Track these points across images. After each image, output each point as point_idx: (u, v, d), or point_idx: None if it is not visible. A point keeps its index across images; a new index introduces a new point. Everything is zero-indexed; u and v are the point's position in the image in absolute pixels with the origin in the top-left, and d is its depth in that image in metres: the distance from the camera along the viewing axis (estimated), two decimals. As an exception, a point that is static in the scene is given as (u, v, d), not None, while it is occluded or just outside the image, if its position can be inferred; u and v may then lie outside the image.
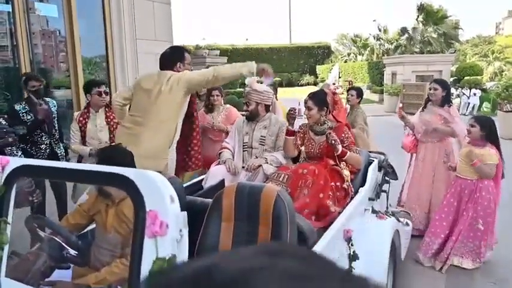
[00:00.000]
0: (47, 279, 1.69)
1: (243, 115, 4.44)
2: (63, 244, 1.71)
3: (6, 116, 3.56)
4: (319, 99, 2.96)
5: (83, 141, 3.52)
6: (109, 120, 3.56)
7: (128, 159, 2.01)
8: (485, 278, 3.33)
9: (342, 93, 3.64)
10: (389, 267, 2.67)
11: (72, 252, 1.73)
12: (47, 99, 3.88)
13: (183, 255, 0.92)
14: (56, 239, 1.72)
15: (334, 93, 3.03)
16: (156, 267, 0.88)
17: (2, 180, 1.23)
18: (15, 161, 1.24)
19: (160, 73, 2.97)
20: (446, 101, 3.88)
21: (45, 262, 1.64)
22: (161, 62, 3.08)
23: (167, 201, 0.94)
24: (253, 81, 3.27)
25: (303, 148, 3.02)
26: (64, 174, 1.20)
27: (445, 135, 3.89)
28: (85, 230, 2.18)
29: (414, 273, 3.38)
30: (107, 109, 3.60)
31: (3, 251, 1.22)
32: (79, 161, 3.62)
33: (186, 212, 0.94)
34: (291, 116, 2.93)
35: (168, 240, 0.91)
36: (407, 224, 3.36)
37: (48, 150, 3.68)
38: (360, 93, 4.64)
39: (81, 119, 3.52)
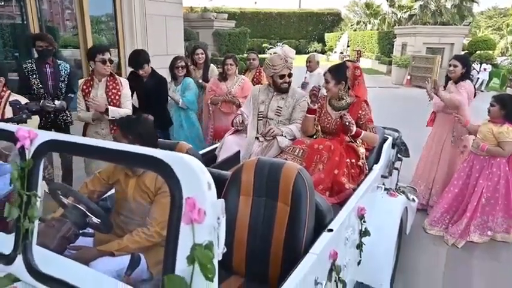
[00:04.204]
0: (71, 245, 1.72)
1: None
2: (86, 212, 1.74)
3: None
4: (337, 72, 2.84)
5: (88, 110, 3.29)
6: (108, 90, 3.27)
7: (150, 130, 1.99)
8: (486, 255, 3.39)
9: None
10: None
11: (95, 219, 1.75)
12: (59, 62, 3.76)
13: (220, 243, 0.92)
14: (79, 206, 1.74)
15: (356, 68, 2.92)
16: (196, 253, 0.88)
17: (31, 154, 1.22)
18: (44, 135, 1.22)
19: None
20: (464, 78, 3.80)
21: (70, 229, 1.66)
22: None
23: (205, 188, 0.91)
24: (291, 49, 3.16)
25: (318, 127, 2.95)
26: (94, 152, 1.15)
27: (451, 105, 3.73)
28: (104, 196, 2.21)
29: (417, 247, 3.48)
30: (108, 78, 3.29)
31: (34, 224, 1.22)
32: (85, 128, 3.44)
33: (223, 200, 0.93)
34: (314, 94, 2.79)
35: (206, 227, 0.89)
36: (413, 200, 3.41)
37: (51, 115, 3.65)
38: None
39: (84, 87, 3.28)
